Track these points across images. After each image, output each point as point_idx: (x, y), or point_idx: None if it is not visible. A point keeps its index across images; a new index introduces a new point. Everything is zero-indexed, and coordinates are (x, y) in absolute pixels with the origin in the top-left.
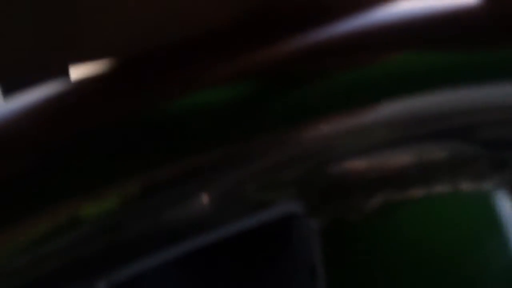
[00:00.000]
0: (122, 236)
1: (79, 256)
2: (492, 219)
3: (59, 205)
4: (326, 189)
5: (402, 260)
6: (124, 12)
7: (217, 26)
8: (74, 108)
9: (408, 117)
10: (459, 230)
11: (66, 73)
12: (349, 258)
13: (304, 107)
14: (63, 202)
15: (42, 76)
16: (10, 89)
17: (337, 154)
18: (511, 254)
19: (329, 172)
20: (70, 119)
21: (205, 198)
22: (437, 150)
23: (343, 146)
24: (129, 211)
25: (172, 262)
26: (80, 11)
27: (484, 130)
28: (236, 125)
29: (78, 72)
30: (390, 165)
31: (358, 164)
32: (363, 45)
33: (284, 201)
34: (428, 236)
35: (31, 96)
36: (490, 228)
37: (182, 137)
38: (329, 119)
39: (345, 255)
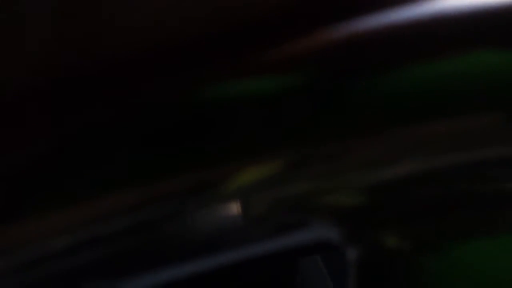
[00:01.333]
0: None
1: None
2: None
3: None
4: (375, 210)
5: None
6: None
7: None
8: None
9: (487, 129)
10: None
11: None
12: None
13: (372, 107)
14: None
15: None
16: None
17: (402, 168)
18: None
19: (385, 191)
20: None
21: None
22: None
23: (410, 156)
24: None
25: None
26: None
27: None
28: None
29: None
30: (454, 188)
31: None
32: (437, 36)
33: (321, 221)
34: (494, 276)
35: None
36: None
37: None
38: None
39: None
